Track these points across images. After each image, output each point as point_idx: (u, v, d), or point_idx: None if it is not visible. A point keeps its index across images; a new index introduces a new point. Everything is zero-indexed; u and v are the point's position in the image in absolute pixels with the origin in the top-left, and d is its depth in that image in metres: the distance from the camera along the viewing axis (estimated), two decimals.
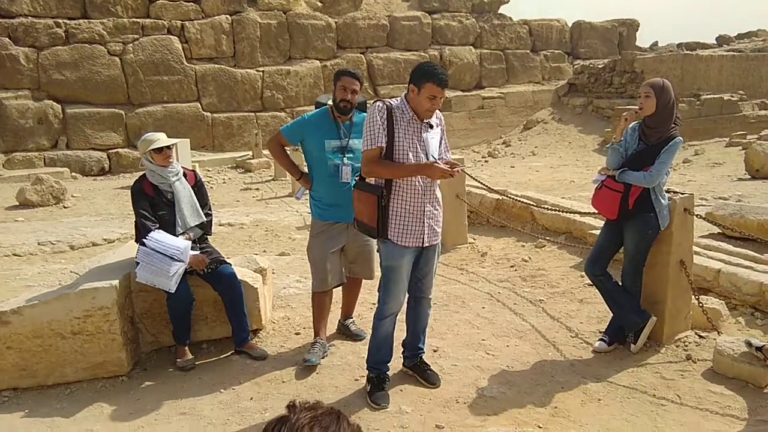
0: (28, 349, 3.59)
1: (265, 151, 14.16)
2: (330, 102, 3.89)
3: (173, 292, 3.70)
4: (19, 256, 6.89)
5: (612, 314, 3.97)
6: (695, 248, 4.44)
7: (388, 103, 3.24)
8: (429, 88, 3.12)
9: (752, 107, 16.78)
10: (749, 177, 9.95)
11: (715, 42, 24.75)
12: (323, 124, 3.84)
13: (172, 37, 15.42)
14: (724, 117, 16.02)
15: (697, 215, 3.97)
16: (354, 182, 3.55)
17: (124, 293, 3.81)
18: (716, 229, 5.55)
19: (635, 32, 23.92)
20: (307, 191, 4.06)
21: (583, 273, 4.36)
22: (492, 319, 4.56)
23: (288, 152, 4.18)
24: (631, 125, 3.80)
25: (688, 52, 19.35)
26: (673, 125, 3.65)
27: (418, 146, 3.24)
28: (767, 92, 18.07)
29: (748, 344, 3.48)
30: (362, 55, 18.21)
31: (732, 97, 16.51)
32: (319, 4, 17.95)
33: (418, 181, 3.25)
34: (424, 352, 3.70)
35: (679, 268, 3.84)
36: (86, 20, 14.63)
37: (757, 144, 10.44)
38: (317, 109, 3.97)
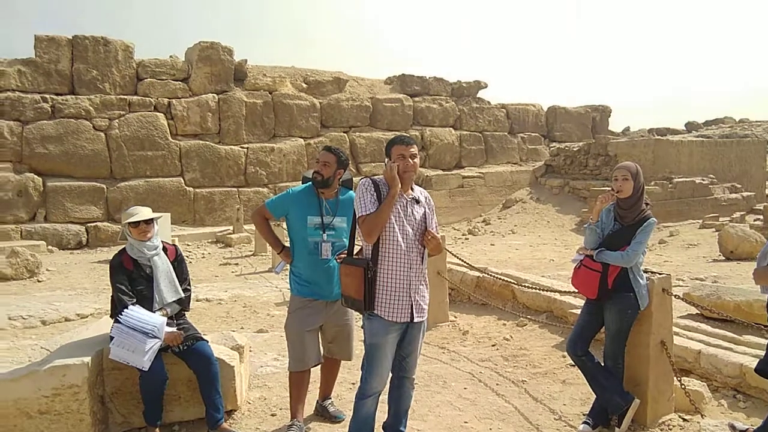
0: None
1: (247, 226, 14.16)
2: None
3: (146, 370, 3.59)
4: None
5: (595, 396, 3.93)
6: (675, 329, 4.46)
7: (374, 179, 3.33)
8: (396, 150, 3.31)
9: (723, 190, 17.33)
10: (724, 258, 10.13)
11: (684, 128, 25.84)
12: (307, 199, 3.87)
13: (158, 113, 15.67)
14: (696, 199, 16.49)
15: (675, 296, 4.01)
16: (334, 260, 3.61)
17: (95, 371, 3.69)
18: (694, 310, 5.60)
19: (608, 117, 25.05)
20: (287, 266, 4.04)
21: (566, 353, 4.34)
22: (474, 401, 4.47)
23: (272, 226, 4.19)
24: (606, 206, 3.91)
25: (659, 137, 20.15)
26: (644, 206, 3.79)
27: (404, 220, 3.30)
28: (736, 176, 18.76)
29: (732, 428, 3.45)
30: (345, 134, 18.64)
31: (703, 180, 17.07)
32: (305, 85, 18.51)
33: (405, 255, 3.27)
34: None
35: (660, 349, 3.83)
36: (73, 96, 14.85)
37: (729, 226, 10.71)
38: (303, 185, 4.02)
